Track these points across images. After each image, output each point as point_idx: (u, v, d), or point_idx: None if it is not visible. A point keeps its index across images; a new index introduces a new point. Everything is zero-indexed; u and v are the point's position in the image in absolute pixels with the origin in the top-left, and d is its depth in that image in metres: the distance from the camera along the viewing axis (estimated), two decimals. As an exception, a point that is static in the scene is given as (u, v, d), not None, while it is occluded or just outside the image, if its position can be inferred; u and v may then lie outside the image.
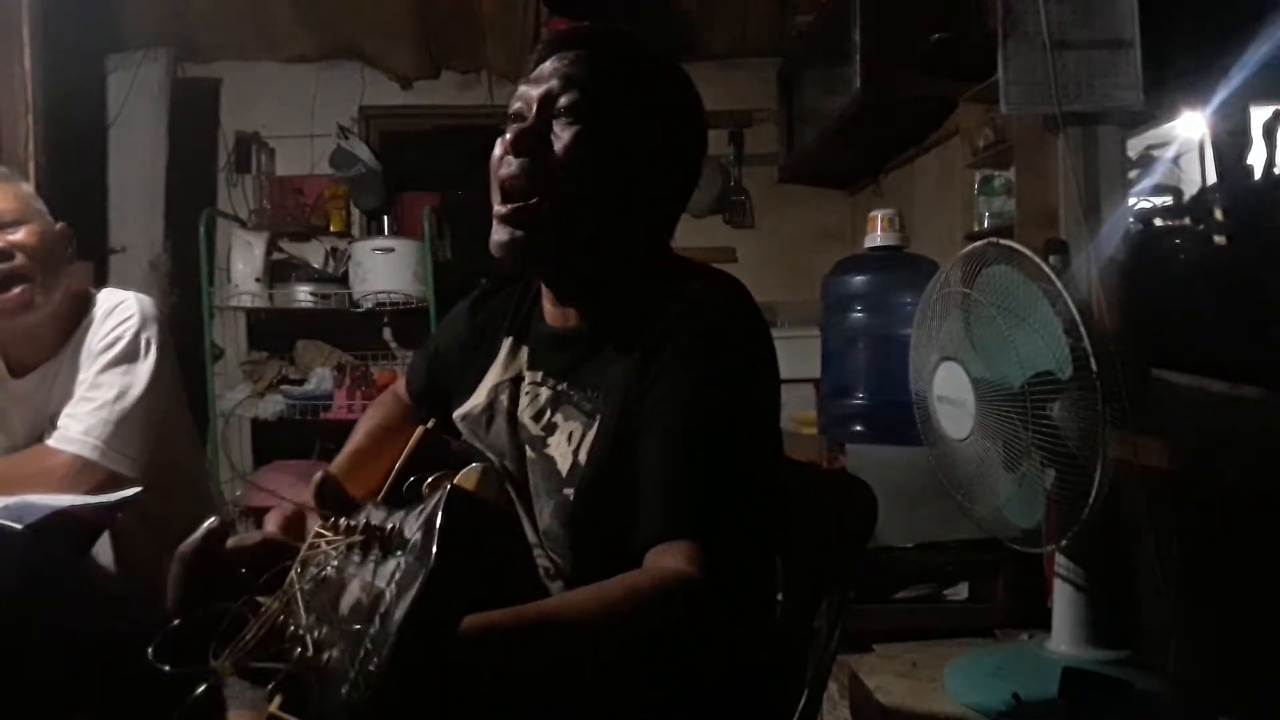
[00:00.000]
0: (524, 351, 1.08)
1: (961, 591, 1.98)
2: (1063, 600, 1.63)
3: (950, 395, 1.64)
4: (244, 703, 1.49)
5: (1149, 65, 1.73)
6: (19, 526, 1.20)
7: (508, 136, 0.96)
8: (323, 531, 0.75)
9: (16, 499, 1.30)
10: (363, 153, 3.85)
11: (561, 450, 1.00)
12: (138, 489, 1.40)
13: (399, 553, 0.69)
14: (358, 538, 0.72)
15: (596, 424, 0.97)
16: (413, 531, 0.69)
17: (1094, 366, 1.41)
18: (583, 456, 0.97)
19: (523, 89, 0.98)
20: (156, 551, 1.58)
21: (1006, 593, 1.93)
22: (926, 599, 1.98)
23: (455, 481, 0.87)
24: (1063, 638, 1.62)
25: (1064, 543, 1.51)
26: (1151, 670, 1.57)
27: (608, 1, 3.38)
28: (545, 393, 1.04)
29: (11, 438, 1.60)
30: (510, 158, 0.95)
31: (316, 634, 0.69)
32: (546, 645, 0.72)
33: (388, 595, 0.66)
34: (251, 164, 3.99)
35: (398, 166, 3.94)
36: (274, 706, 0.70)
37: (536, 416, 1.04)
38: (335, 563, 0.72)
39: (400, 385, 1.28)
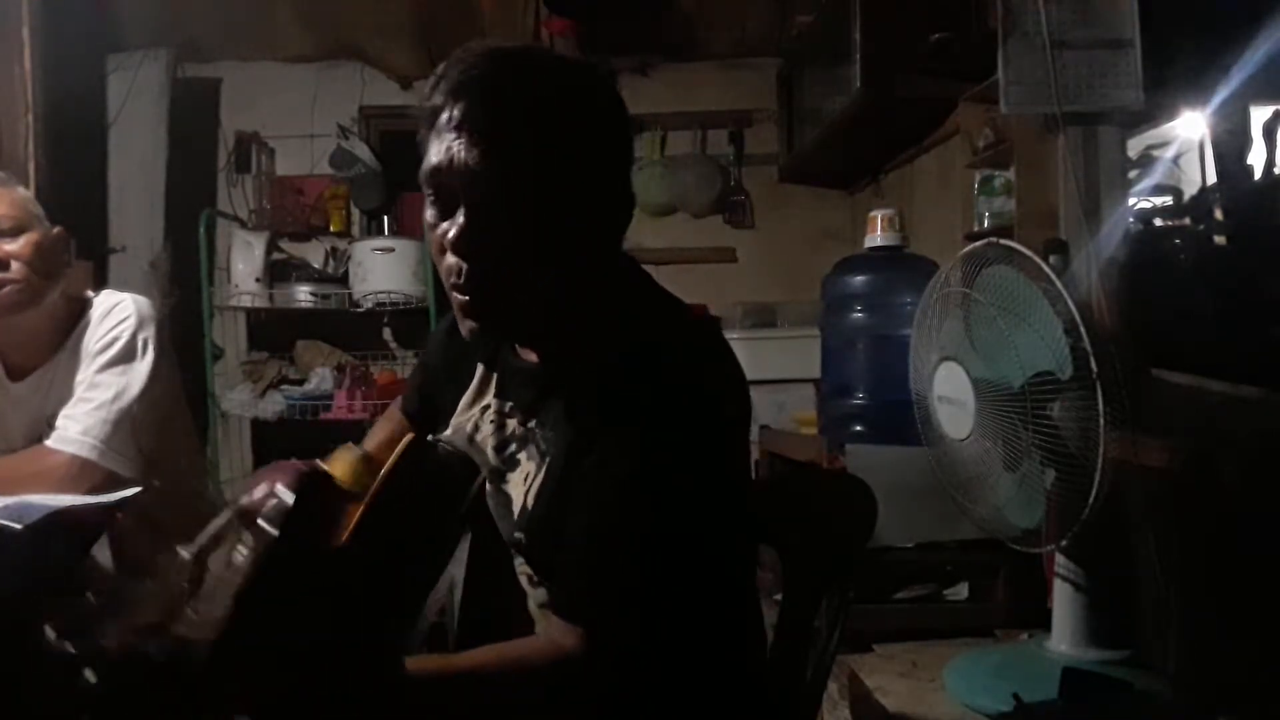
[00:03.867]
0: (494, 379, 1.08)
1: (961, 591, 1.98)
2: (1063, 600, 1.63)
3: (950, 395, 1.64)
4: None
5: (1149, 65, 1.73)
6: (19, 526, 1.19)
7: (446, 235, 0.88)
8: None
9: (16, 499, 1.30)
10: (363, 153, 3.84)
11: (517, 489, 1.00)
12: (138, 489, 1.40)
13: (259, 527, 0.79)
14: (227, 520, 0.82)
15: (544, 469, 0.97)
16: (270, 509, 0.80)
17: (1094, 366, 1.40)
18: (530, 500, 0.98)
19: (438, 164, 0.89)
20: (156, 552, 1.59)
21: (1006, 593, 1.93)
22: (926, 599, 1.98)
23: (326, 466, 0.95)
24: (1063, 638, 1.62)
25: (1064, 543, 1.51)
26: (1151, 670, 1.57)
27: (606, 1, 3.38)
28: (513, 426, 1.03)
29: (10, 441, 1.60)
30: (455, 259, 0.89)
31: (193, 606, 0.78)
32: (446, 692, 0.83)
33: (237, 561, 0.77)
34: (251, 164, 3.99)
35: (398, 166, 3.93)
36: None
37: (499, 447, 1.03)
38: (240, 547, 0.81)
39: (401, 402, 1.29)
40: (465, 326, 0.93)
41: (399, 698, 0.79)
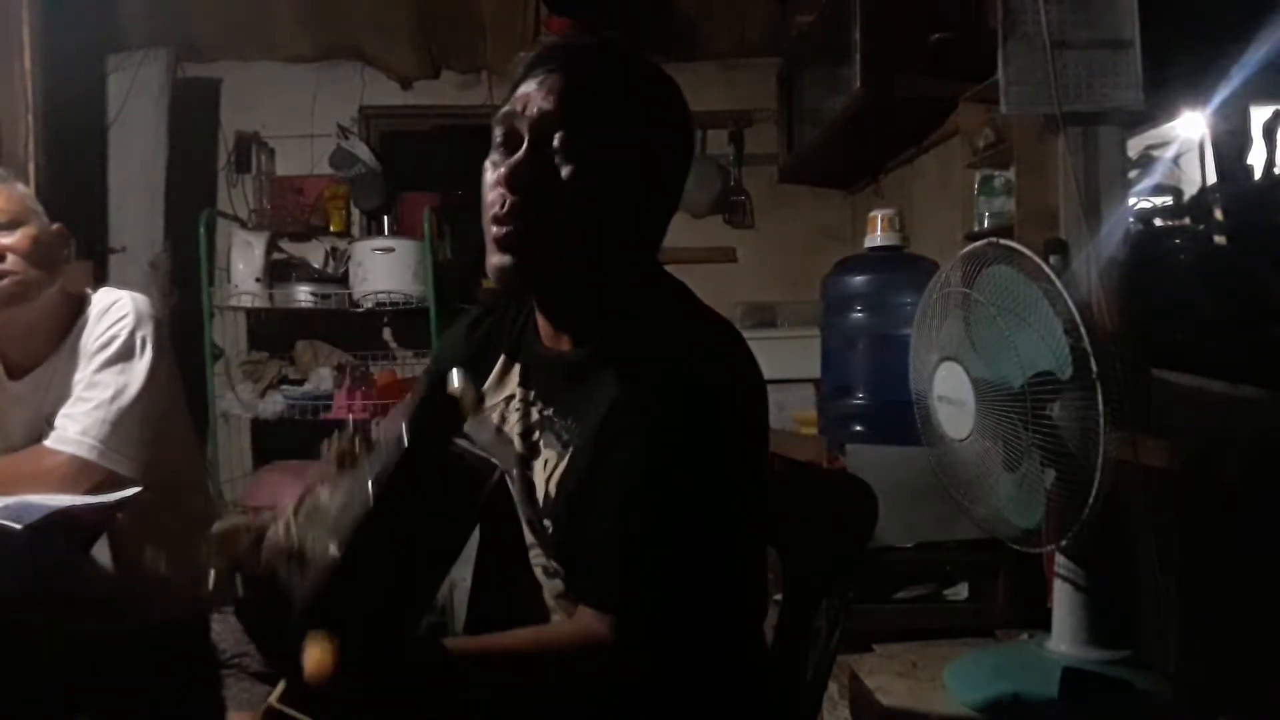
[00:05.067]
0: (516, 369, 1.08)
1: (961, 591, 1.98)
2: (1063, 600, 1.63)
3: (950, 395, 1.64)
4: (243, 704, 1.50)
5: (1149, 65, 1.73)
6: (19, 526, 1.20)
7: (501, 170, 0.93)
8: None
9: (16, 499, 1.30)
10: (363, 153, 3.84)
11: (540, 477, 1.01)
12: (137, 489, 1.40)
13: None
14: (345, 447, 0.84)
15: (568, 457, 0.98)
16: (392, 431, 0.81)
17: (1094, 366, 1.40)
18: (553, 488, 0.99)
19: (511, 109, 0.94)
20: (156, 551, 1.59)
21: (1006, 593, 1.93)
22: (926, 599, 1.97)
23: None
24: (1063, 638, 1.62)
25: (1064, 543, 1.51)
26: (1151, 670, 1.57)
27: (607, 1, 3.38)
28: (534, 414, 1.04)
29: (10, 440, 1.60)
30: (504, 190, 0.92)
31: (302, 534, 0.80)
32: (484, 672, 0.86)
33: (367, 471, 0.78)
34: (251, 164, 3.99)
35: (398, 166, 3.94)
36: (274, 698, 0.73)
37: (524, 434, 1.04)
38: (327, 488, 0.82)
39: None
40: (498, 262, 0.94)
41: (439, 671, 0.82)
